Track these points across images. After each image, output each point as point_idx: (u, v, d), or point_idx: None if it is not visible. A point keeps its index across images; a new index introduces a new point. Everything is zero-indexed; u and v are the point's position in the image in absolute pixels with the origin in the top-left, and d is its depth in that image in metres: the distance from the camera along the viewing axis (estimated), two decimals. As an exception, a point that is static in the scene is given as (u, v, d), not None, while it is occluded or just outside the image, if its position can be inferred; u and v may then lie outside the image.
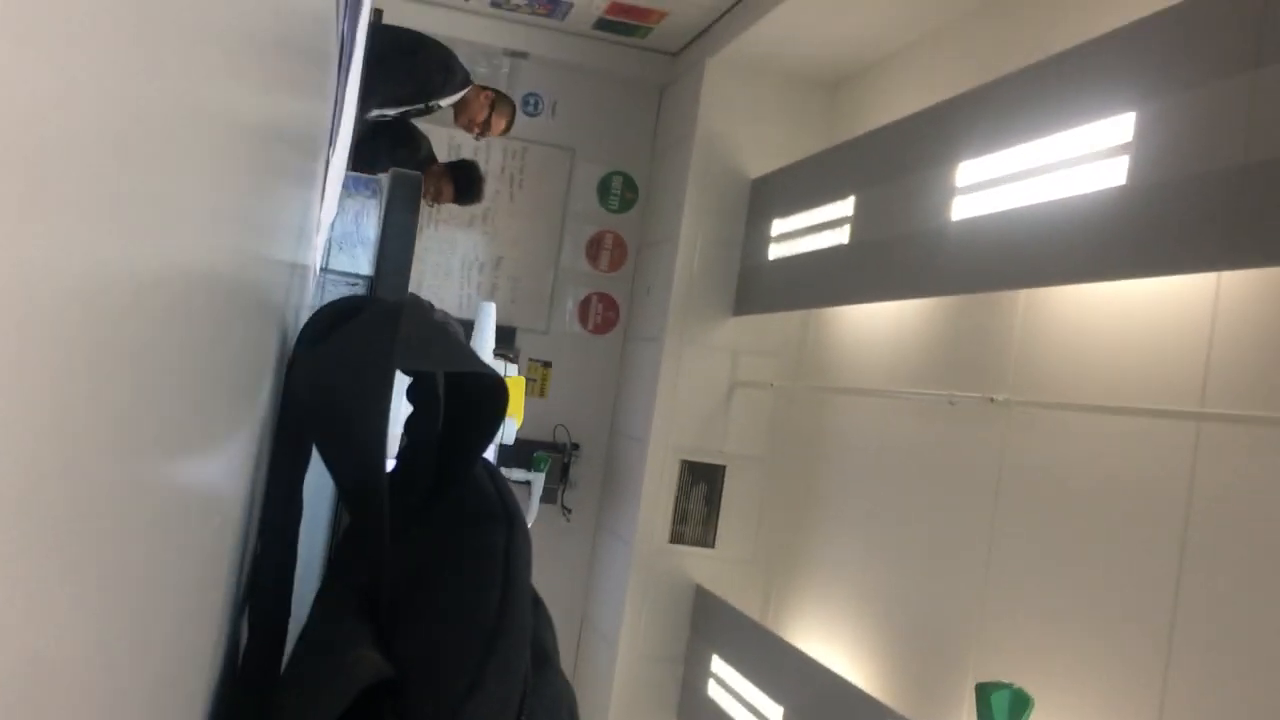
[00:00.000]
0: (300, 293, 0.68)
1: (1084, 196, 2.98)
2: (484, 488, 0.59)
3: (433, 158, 4.63)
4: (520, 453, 5.39)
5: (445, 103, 4.26)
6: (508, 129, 4.44)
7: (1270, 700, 2.54)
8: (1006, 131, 3.40)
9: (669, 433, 5.43)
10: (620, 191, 6.14)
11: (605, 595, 5.77)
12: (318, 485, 0.71)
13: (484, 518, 0.56)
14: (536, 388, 5.97)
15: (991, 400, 3.58)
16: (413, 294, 0.61)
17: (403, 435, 0.63)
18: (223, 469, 0.45)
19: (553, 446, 5.82)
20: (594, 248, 6.13)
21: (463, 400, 0.63)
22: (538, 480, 4.74)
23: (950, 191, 3.67)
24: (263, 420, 0.57)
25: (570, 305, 6.10)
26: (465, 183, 4.46)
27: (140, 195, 0.28)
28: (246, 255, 0.47)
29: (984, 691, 1.29)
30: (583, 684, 5.89)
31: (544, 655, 0.54)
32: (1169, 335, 3.04)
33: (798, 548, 5.12)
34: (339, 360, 0.54)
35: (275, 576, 0.60)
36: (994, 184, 3.43)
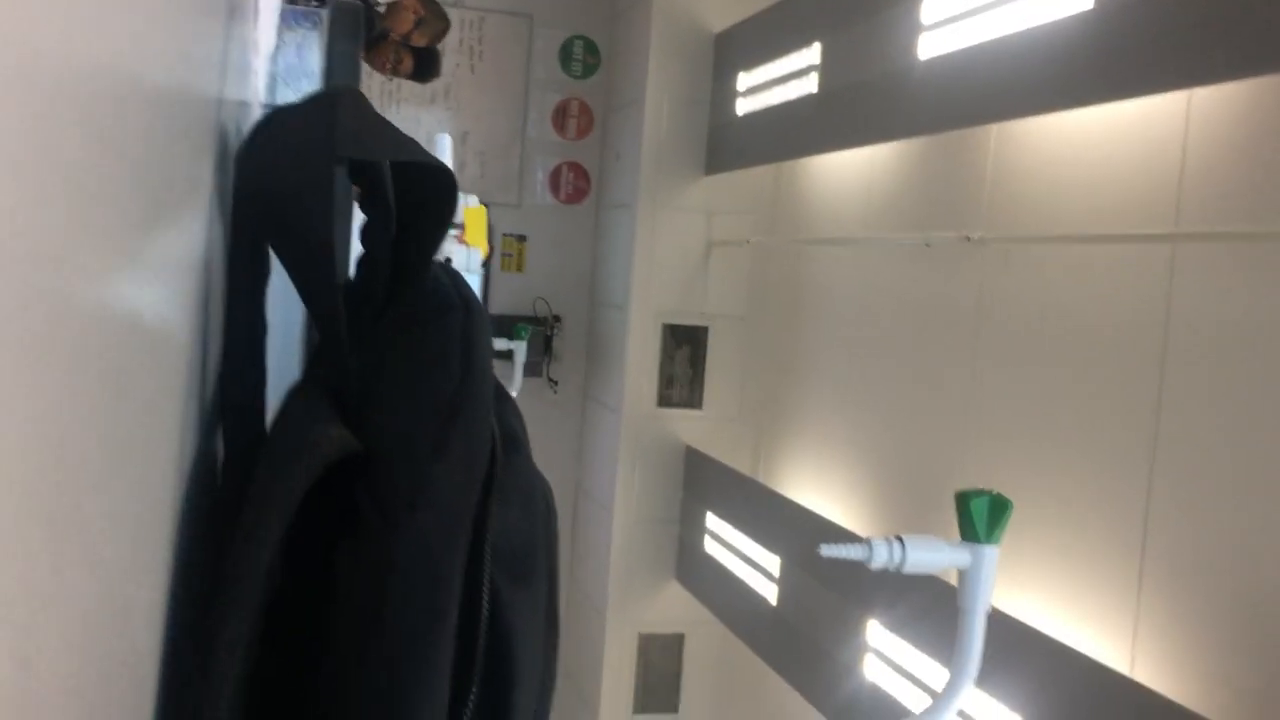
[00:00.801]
0: (242, 120, 0.67)
1: (1051, 24, 2.93)
2: (440, 283, 0.59)
3: (385, 33, 4.52)
4: (501, 325, 5.38)
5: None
6: (432, 42, 4.28)
7: (1250, 520, 2.59)
8: (969, -38, 3.32)
9: (649, 297, 5.43)
10: (582, 56, 6.02)
11: (598, 463, 5.83)
12: (290, 301, 0.71)
13: (442, 309, 0.56)
14: (513, 262, 5.94)
15: (968, 239, 3.57)
16: (351, 87, 0.59)
17: (360, 242, 0.63)
18: (159, 287, 0.44)
19: (534, 320, 5.82)
20: (560, 116, 6.03)
21: (414, 201, 0.62)
22: (520, 348, 4.75)
23: (916, 28, 3.60)
24: (209, 239, 0.56)
25: (540, 176, 6.03)
26: (419, 61, 4.35)
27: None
28: (169, 70, 0.45)
29: (963, 497, 1.31)
30: (581, 551, 5.99)
31: (514, 440, 0.54)
32: (1140, 160, 3.02)
33: (784, 402, 5.17)
34: (281, 151, 0.54)
35: (243, 386, 0.60)
36: (960, 18, 3.37)
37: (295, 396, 0.56)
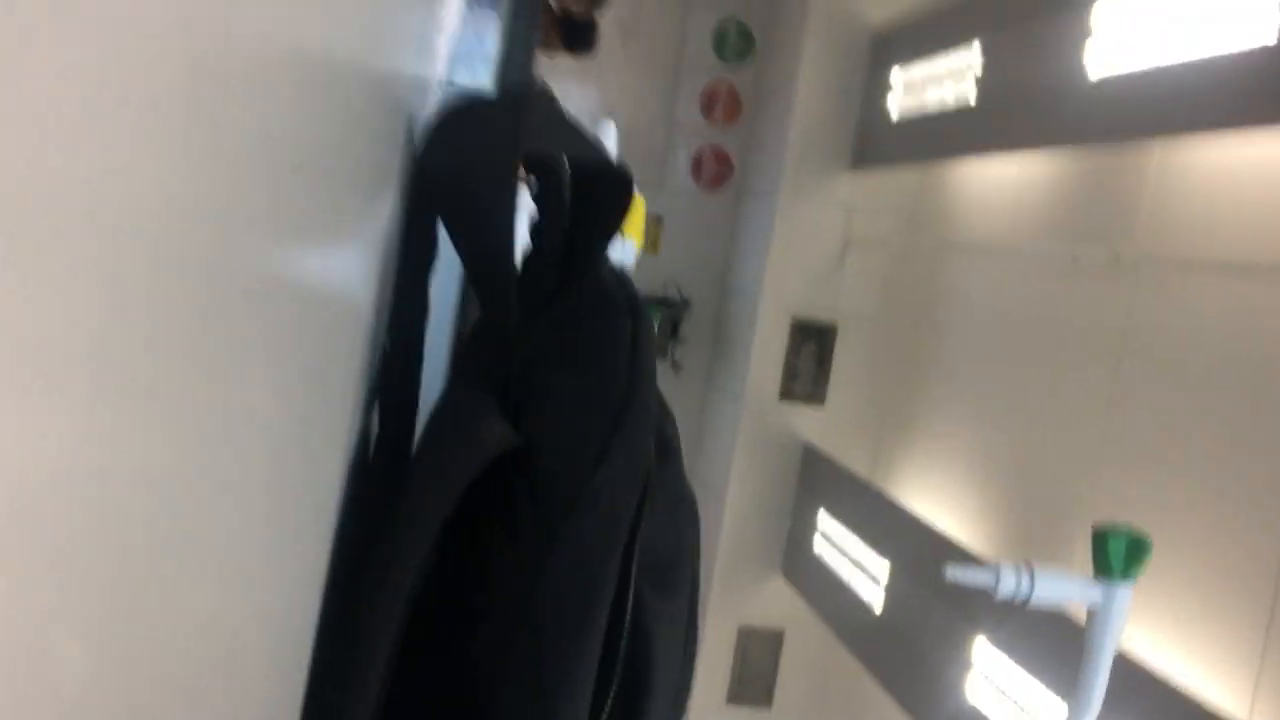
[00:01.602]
0: (424, 100, 0.68)
1: (1232, 54, 2.81)
2: (608, 284, 0.58)
3: (545, 6, 4.54)
4: (631, 307, 5.38)
5: None
6: (592, 8, 4.27)
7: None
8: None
9: (781, 290, 5.38)
10: (736, 41, 5.98)
11: (714, 450, 5.82)
12: (443, 289, 0.71)
13: (610, 311, 0.56)
14: (649, 243, 5.95)
15: (1117, 258, 3.45)
16: (541, 81, 0.60)
17: (529, 239, 0.63)
18: (351, 262, 0.45)
19: (664, 302, 5.82)
20: (708, 100, 6.00)
21: (586, 201, 0.61)
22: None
23: (1084, 35, 3.49)
24: (389, 218, 0.57)
25: (683, 159, 6.01)
26: (576, 33, 4.35)
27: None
28: (372, 50, 0.45)
29: (1102, 534, 1.27)
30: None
31: (669, 448, 0.54)
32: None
33: (908, 408, 5.08)
34: (467, 143, 0.54)
35: (404, 368, 0.60)
36: (1131, 29, 3.25)
37: (457, 387, 0.56)
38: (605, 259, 0.61)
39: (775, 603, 5.50)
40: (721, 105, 6.00)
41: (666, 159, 5.98)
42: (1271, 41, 2.66)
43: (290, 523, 0.39)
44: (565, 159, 0.60)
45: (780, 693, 5.61)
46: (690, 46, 5.96)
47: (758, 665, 5.60)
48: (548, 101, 0.59)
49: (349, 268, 0.42)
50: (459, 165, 0.54)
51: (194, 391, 0.26)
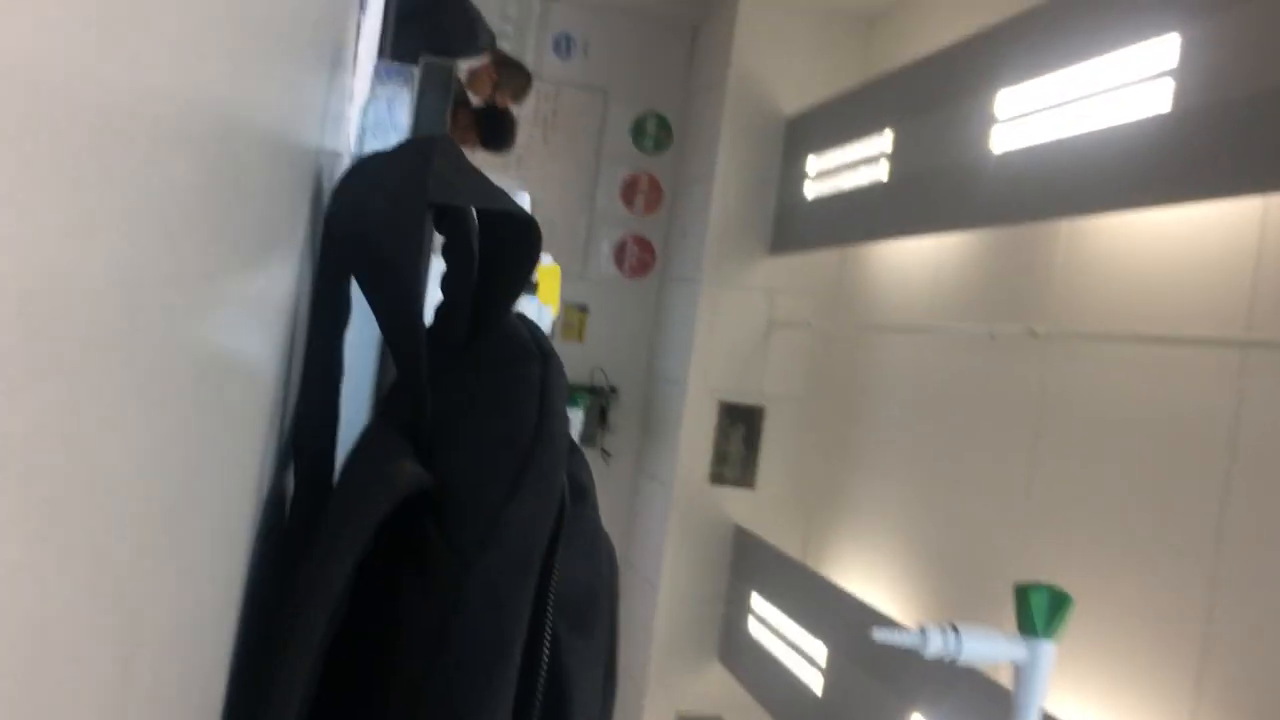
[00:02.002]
0: (333, 166, 0.68)
1: (1127, 125, 2.93)
2: (518, 333, 0.59)
3: (463, 101, 4.60)
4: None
5: (463, 66, 4.20)
6: (516, 99, 4.35)
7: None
8: (1046, 57, 3.33)
9: (707, 374, 5.43)
10: (654, 132, 6.10)
11: (646, 537, 5.80)
12: (362, 349, 0.71)
13: (519, 358, 0.56)
14: (574, 331, 5.98)
15: (1033, 333, 3.54)
16: (445, 135, 0.60)
17: (441, 292, 0.64)
18: (253, 326, 0.45)
19: (591, 390, 5.83)
20: (629, 190, 6.09)
21: (496, 249, 0.62)
22: (575, 416, 4.76)
23: (989, 121, 3.61)
24: (296, 280, 0.57)
25: (606, 248, 6.08)
26: (493, 130, 4.41)
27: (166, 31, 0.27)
28: (277, 113, 0.46)
29: (1023, 591, 1.29)
30: (625, 626, 5.93)
31: (582, 491, 0.54)
32: (1214, 263, 2.99)
33: (837, 486, 5.12)
34: (372, 190, 0.55)
35: (317, 428, 0.60)
36: (1034, 113, 3.38)
37: (371, 433, 0.57)
38: (514, 307, 0.62)
39: (713, 688, 5.45)
40: (642, 195, 6.09)
41: (589, 248, 6.05)
42: (1166, 109, 2.78)
43: (193, 592, 0.38)
44: (472, 208, 0.62)
45: (721, 781, 5.53)
46: (610, 138, 6.07)
47: (697, 754, 5.52)
48: (453, 148, 0.60)
49: (250, 332, 0.43)
50: (366, 216, 0.55)
51: (78, 462, 0.25)
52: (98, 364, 0.25)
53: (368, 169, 0.57)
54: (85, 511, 0.25)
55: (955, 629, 1.32)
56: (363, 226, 0.55)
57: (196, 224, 0.32)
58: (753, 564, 5.20)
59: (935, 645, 1.29)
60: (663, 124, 6.10)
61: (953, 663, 1.29)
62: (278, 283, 0.51)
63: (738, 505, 5.45)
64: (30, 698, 0.23)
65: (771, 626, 4.83)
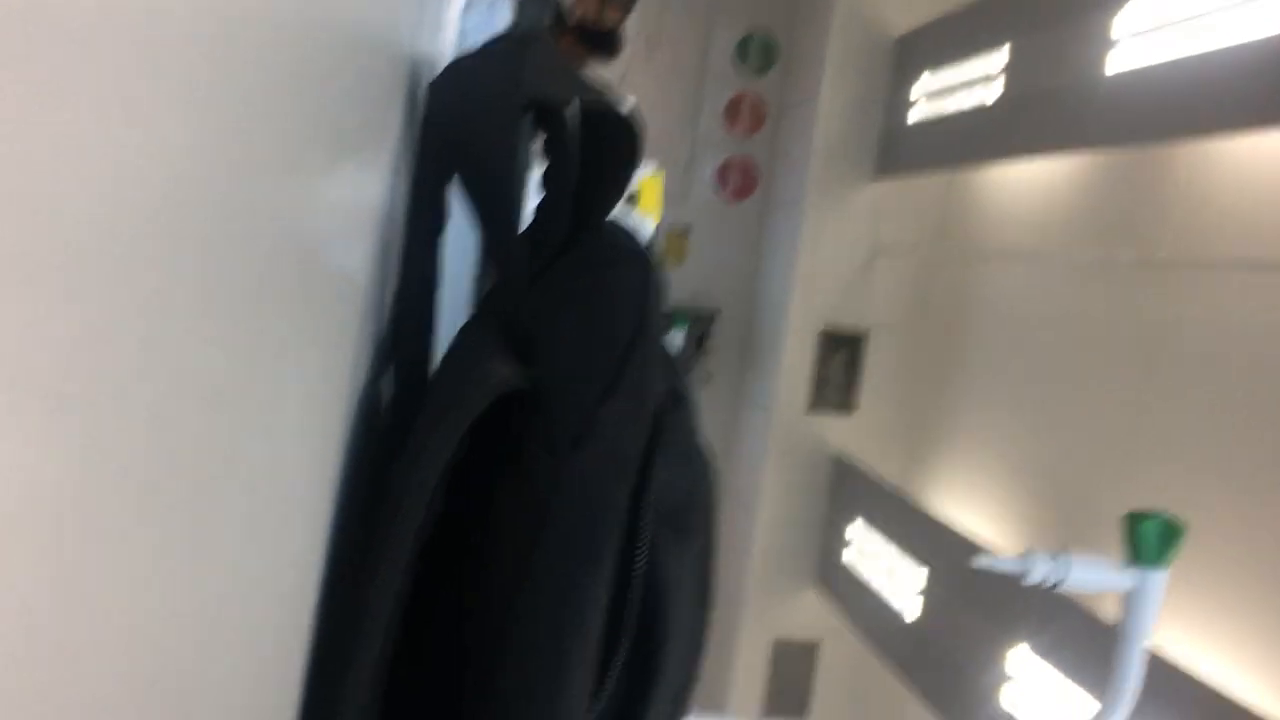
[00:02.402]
0: (431, 69, 0.67)
1: (1254, 41, 2.78)
2: (616, 235, 0.58)
3: (567, 21, 4.55)
4: (659, 318, 5.38)
5: None
6: (622, 15, 4.27)
7: None
8: (1174, -30, 3.18)
9: (809, 300, 5.37)
10: (759, 52, 5.99)
11: (744, 462, 5.80)
12: (460, 256, 0.71)
13: (619, 261, 0.55)
14: (675, 253, 5.95)
15: (1148, 262, 3.42)
16: (542, 32, 0.59)
17: (541, 186, 0.63)
18: (351, 224, 0.44)
19: (692, 313, 5.82)
20: (732, 111, 6.00)
21: (596, 148, 0.61)
22: (675, 338, 4.75)
23: (1108, 38, 3.47)
24: (394, 180, 0.57)
25: (708, 171, 6.01)
26: (599, 43, 4.35)
27: None
28: (376, 12, 0.45)
29: (1134, 518, 1.25)
30: (723, 549, 5.96)
31: (679, 396, 0.53)
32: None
33: (939, 415, 5.05)
34: (468, 89, 0.53)
35: (416, 328, 0.60)
36: (1156, 29, 3.23)
37: (467, 333, 0.56)
38: (615, 211, 0.60)
39: (809, 614, 5.46)
40: (746, 116, 6.00)
41: (691, 171, 5.99)
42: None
43: (287, 485, 0.38)
44: (572, 107, 0.60)
45: (816, 704, 5.57)
46: (714, 58, 5.97)
47: (793, 677, 5.56)
48: (548, 46, 0.58)
49: (340, 229, 0.42)
50: (462, 116, 0.54)
51: (187, 352, 0.25)
52: (189, 251, 0.24)
53: (463, 68, 0.56)
54: (173, 395, 0.25)
55: (1062, 554, 1.29)
56: (458, 125, 0.54)
57: (283, 116, 0.31)
58: (851, 491, 5.17)
59: (1040, 570, 1.26)
60: (767, 44, 5.98)
61: (1055, 591, 1.27)
62: (370, 182, 0.51)
63: (837, 432, 5.41)
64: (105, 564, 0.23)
65: (870, 553, 4.82)
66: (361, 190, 0.48)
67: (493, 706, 0.45)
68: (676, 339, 4.78)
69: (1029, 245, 4.39)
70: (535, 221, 0.62)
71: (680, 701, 0.50)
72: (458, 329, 0.57)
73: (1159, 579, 1.29)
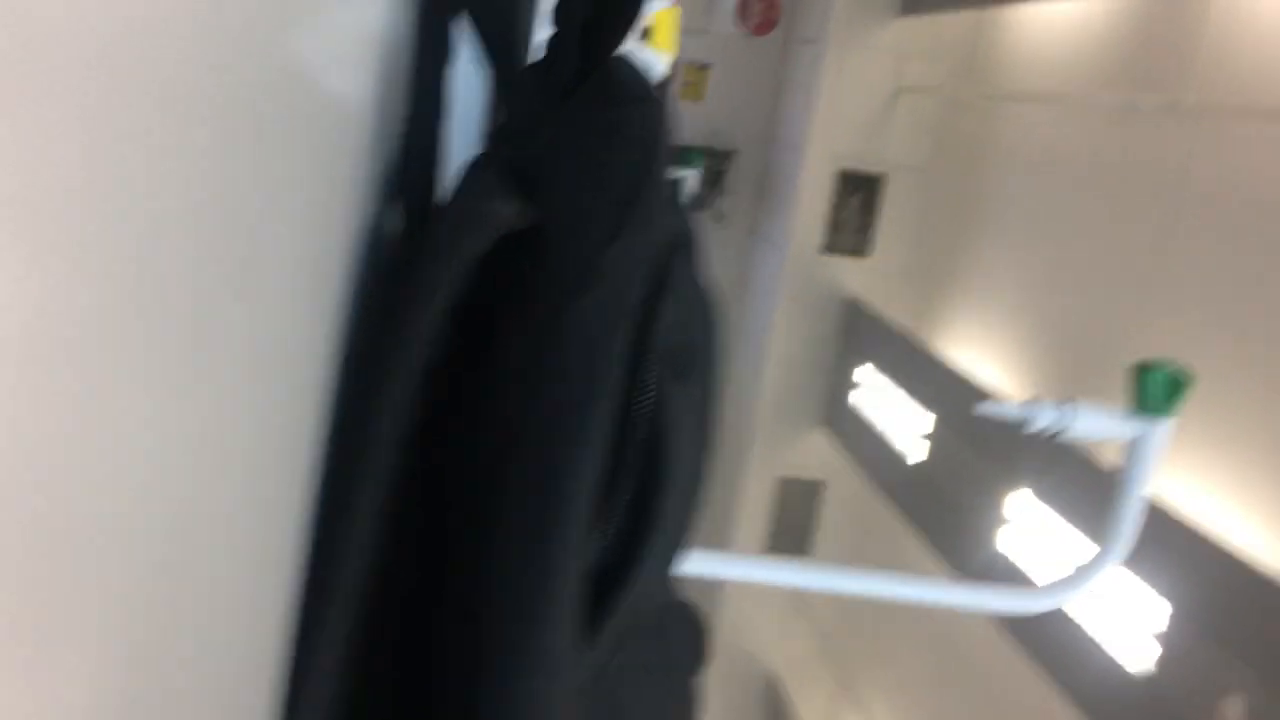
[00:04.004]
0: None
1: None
2: (626, 72, 0.56)
3: None
4: (675, 152, 5.32)
5: None
6: None
7: None
8: None
9: (828, 139, 5.28)
10: (786, -121, 5.75)
11: (756, 302, 5.80)
12: (471, 91, 0.70)
13: (627, 100, 0.54)
14: (694, 90, 5.83)
15: (1176, 105, 3.35)
16: None
17: (552, 22, 0.61)
18: (351, 61, 0.43)
19: (708, 151, 5.74)
20: (756, -59, 5.80)
21: None
22: (691, 176, 4.69)
23: None
24: (395, 15, 0.55)
25: (730, 3, 5.84)
26: None
27: None
28: None
29: (1142, 368, 1.25)
30: (732, 388, 6.02)
31: (686, 240, 0.52)
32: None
33: (956, 260, 5.02)
34: None
35: (422, 160, 0.59)
36: None
37: (471, 170, 0.55)
38: (624, 47, 0.58)
39: (815, 455, 5.54)
40: (770, -53, 5.80)
41: (713, 3, 5.82)
42: None
43: (288, 316, 0.37)
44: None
45: (818, 541, 5.69)
46: (739, -115, 5.75)
47: (796, 516, 5.68)
48: None
49: (347, 59, 0.41)
50: None
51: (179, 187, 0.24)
52: (183, 80, 0.24)
53: None
54: (156, 222, 0.24)
55: (1067, 403, 1.30)
56: None
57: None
58: (863, 334, 5.18)
59: (1044, 419, 1.27)
60: None
61: (1059, 439, 1.28)
62: (370, 15, 0.49)
63: (851, 275, 5.39)
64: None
65: (878, 396, 4.85)
66: (360, 18, 0.46)
67: (494, 540, 0.46)
68: (692, 178, 4.72)
69: (1054, 88, 4.29)
70: (543, 58, 0.61)
71: (679, 539, 0.51)
72: (464, 165, 0.56)
73: (1164, 429, 1.30)
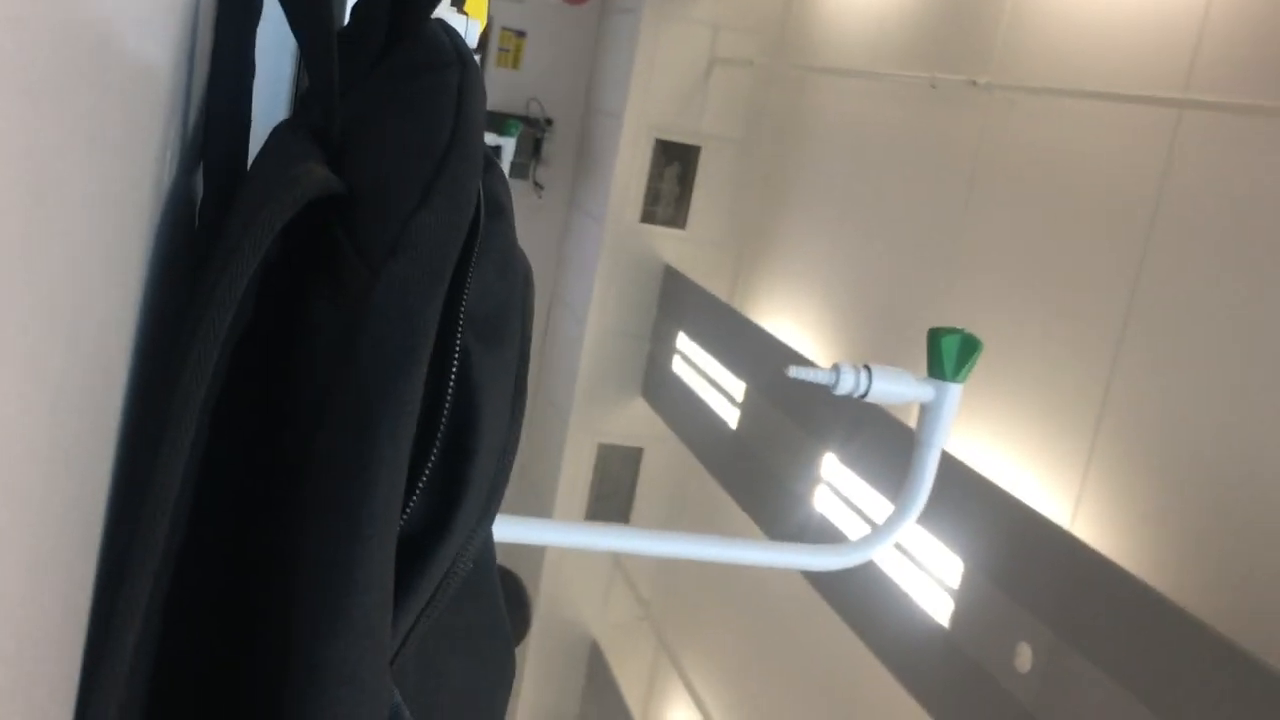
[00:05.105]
0: None
1: None
2: (437, 37, 0.56)
3: None
4: (492, 120, 5.29)
5: None
6: None
7: (1211, 393, 2.63)
8: None
9: (645, 109, 5.33)
10: None
11: (576, 271, 5.82)
12: (279, 55, 0.69)
13: (437, 65, 0.54)
14: (510, 58, 5.80)
15: (974, 83, 3.50)
16: None
17: None
18: (148, 17, 0.42)
19: (525, 119, 5.72)
20: (572, -91, 5.79)
21: None
22: (508, 145, 4.67)
23: None
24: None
25: (546, -28, 5.83)
26: None
27: None
28: None
29: (935, 334, 1.32)
30: (551, 358, 6.04)
31: (499, 207, 0.53)
32: (1159, 21, 2.94)
33: (769, 230, 5.15)
34: None
35: (227, 126, 0.58)
36: None
37: (278, 137, 0.54)
38: (434, 13, 0.59)
39: (635, 423, 5.61)
40: (586, -85, 5.80)
41: (529, -29, 5.80)
42: None
43: (77, 279, 0.37)
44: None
45: (637, 508, 5.78)
46: None
47: (616, 482, 5.75)
48: None
49: (132, 17, 0.40)
50: None
51: None
52: None
53: None
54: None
55: (868, 369, 1.36)
56: None
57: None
58: (680, 303, 5.26)
59: (847, 384, 1.33)
60: None
61: (863, 401, 1.34)
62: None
63: (668, 245, 5.47)
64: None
65: (695, 365, 4.95)
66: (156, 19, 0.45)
67: (306, 507, 0.46)
68: (508, 147, 4.70)
69: (863, 64, 4.44)
70: (350, 24, 0.60)
71: (488, 509, 0.52)
72: (270, 132, 0.55)
73: (955, 392, 1.38)
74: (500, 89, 5.75)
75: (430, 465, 0.50)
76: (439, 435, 0.50)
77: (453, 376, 0.49)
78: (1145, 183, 2.90)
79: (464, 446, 0.52)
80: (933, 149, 3.88)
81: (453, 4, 1.72)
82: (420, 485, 0.50)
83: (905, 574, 3.08)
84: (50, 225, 0.32)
